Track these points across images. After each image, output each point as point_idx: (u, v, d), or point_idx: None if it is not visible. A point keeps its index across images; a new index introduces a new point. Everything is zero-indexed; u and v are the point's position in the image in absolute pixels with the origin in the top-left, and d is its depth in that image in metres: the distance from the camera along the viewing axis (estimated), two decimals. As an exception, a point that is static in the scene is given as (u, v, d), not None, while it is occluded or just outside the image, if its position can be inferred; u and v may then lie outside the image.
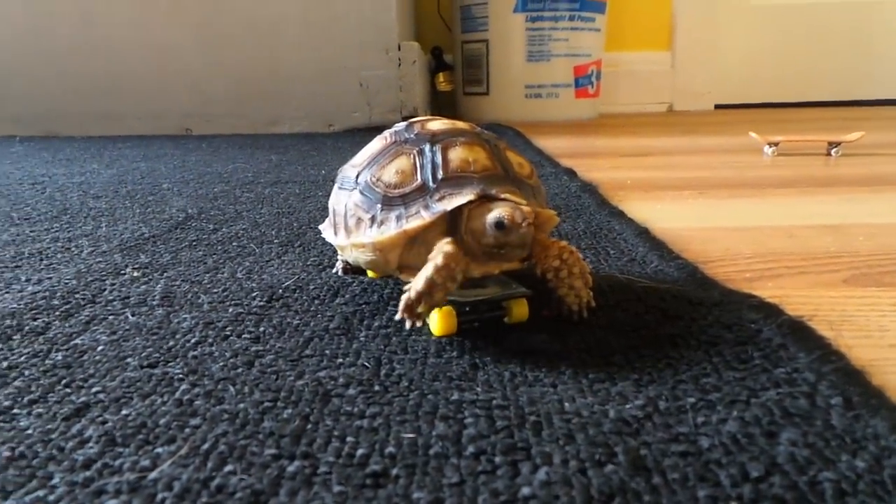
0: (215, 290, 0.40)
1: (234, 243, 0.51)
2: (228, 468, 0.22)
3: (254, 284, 0.41)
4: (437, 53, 1.80)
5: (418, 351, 0.31)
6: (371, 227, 0.34)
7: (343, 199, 0.36)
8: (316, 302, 0.38)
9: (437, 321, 0.32)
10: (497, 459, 0.22)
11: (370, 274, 0.41)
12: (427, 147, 0.35)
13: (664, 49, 1.98)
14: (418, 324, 0.31)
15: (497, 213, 0.31)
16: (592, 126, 1.57)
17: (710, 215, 0.62)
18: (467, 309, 0.33)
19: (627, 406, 0.25)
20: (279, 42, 1.38)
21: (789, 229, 0.55)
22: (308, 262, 0.46)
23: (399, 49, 1.37)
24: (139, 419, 0.25)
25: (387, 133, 0.38)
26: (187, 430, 0.24)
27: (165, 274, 0.43)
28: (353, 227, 0.35)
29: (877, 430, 0.23)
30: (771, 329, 0.31)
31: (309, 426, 0.24)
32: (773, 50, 2.00)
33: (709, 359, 0.29)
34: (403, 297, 0.31)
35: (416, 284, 0.31)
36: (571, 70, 1.64)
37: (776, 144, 1.01)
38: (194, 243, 0.51)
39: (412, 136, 0.36)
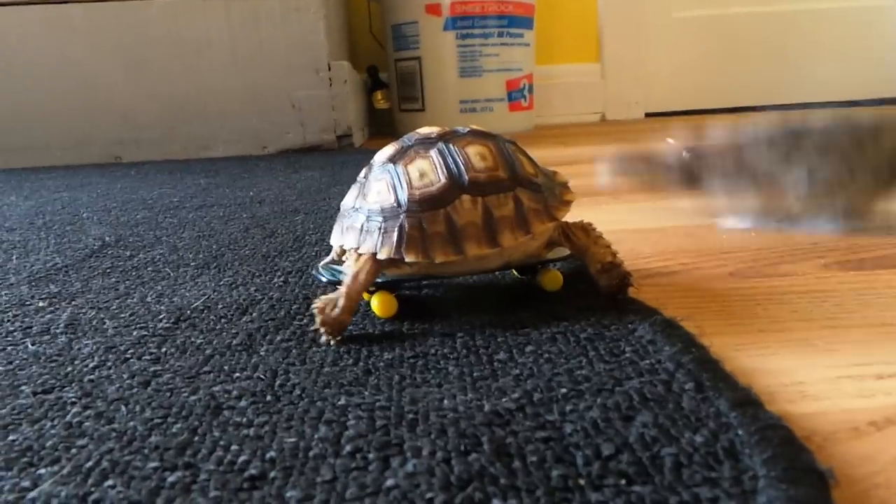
0: (122, 315, 0.40)
1: (148, 268, 0.51)
2: (108, 483, 0.22)
3: (162, 307, 0.41)
4: (372, 72, 1.82)
5: (315, 361, 0.32)
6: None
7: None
8: (223, 320, 0.38)
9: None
10: (371, 456, 0.23)
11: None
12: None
13: (594, 61, 2.05)
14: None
15: None
16: (528, 137, 1.61)
17: (619, 219, 0.66)
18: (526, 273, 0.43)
19: (503, 400, 0.27)
20: (206, 65, 1.37)
21: (688, 229, 0.59)
22: (221, 283, 0.46)
23: (329, 69, 1.39)
24: (25, 443, 0.25)
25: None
26: (73, 450, 0.25)
27: (73, 302, 0.43)
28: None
29: (719, 408, 0.25)
30: (644, 327, 0.34)
31: (196, 438, 0.25)
32: (695, 59, 2.09)
33: (585, 354, 0.31)
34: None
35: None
36: (504, 84, 1.69)
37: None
38: (108, 271, 0.51)
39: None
